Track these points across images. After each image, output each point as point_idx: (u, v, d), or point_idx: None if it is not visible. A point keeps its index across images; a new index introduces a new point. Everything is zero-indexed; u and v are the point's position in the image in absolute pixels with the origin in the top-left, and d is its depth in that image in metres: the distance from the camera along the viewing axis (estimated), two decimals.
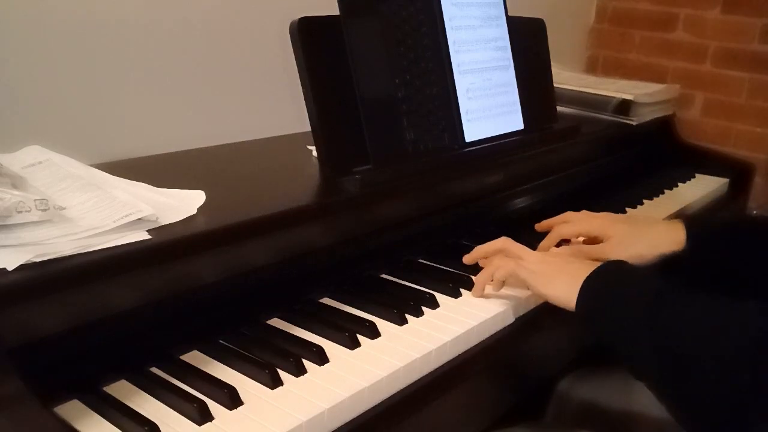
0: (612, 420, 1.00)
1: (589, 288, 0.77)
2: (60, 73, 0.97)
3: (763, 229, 0.99)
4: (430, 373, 0.74)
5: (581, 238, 1.02)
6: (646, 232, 0.98)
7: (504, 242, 0.90)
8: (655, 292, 0.72)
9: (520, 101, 1.17)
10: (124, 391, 0.65)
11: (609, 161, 1.46)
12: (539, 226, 1.04)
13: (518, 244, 0.90)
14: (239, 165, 1.01)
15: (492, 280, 0.87)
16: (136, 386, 0.66)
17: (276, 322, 0.79)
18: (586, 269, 0.78)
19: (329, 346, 0.73)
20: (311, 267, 0.84)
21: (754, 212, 1.72)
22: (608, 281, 0.77)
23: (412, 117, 0.97)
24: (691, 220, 0.99)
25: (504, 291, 0.88)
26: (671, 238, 0.96)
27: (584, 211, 1.05)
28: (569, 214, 1.04)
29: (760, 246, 0.94)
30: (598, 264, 0.80)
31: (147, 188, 0.79)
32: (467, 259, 0.93)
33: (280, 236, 0.80)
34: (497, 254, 0.90)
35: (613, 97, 1.53)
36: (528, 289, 0.86)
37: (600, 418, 1.01)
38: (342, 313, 0.82)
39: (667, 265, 0.95)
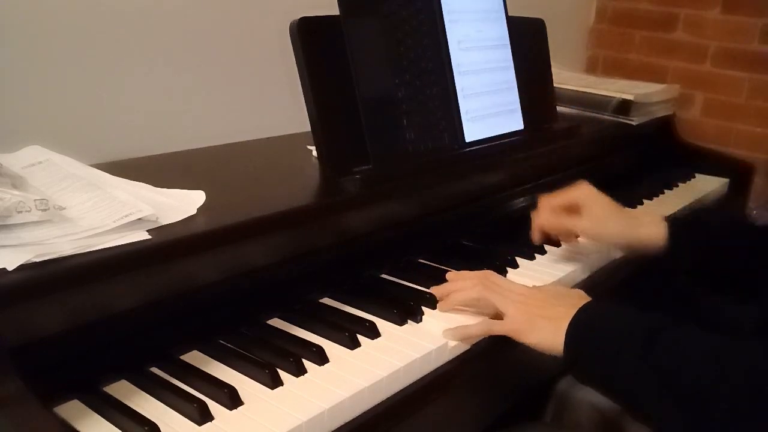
0: (611, 420, 1.00)
1: (575, 333, 0.73)
2: (60, 73, 0.97)
3: (745, 229, 0.98)
4: (430, 373, 0.74)
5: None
6: (627, 213, 0.97)
7: (479, 291, 0.82)
8: (645, 329, 0.69)
9: (520, 101, 1.17)
10: (124, 391, 0.65)
11: (609, 161, 1.46)
12: (538, 234, 1.02)
13: (493, 285, 0.82)
14: (239, 165, 1.01)
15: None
16: (136, 386, 0.66)
17: (276, 322, 0.79)
18: (567, 312, 0.74)
19: (329, 346, 0.73)
20: (311, 267, 0.84)
21: (754, 212, 1.72)
22: (593, 324, 0.74)
23: (412, 117, 0.97)
24: (674, 218, 0.99)
25: None
26: (652, 224, 0.95)
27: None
28: (543, 197, 1.02)
29: (741, 244, 0.94)
30: (578, 303, 0.76)
31: (147, 188, 0.79)
32: (438, 292, 0.85)
33: (280, 236, 0.80)
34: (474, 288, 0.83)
35: (613, 97, 1.53)
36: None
37: (599, 419, 1.01)
38: (342, 313, 0.82)
39: (646, 264, 0.94)
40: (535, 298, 0.80)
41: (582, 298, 0.78)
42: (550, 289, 0.84)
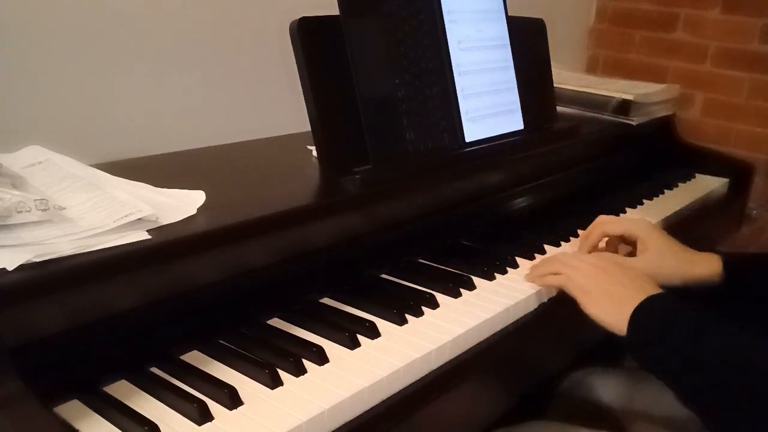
0: (614, 419, 1.00)
1: (638, 321, 0.78)
2: (60, 73, 0.97)
3: None
4: (430, 373, 0.74)
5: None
6: (683, 253, 0.97)
7: (562, 281, 0.89)
8: (696, 328, 0.74)
9: (520, 101, 1.17)
10: (124, 391, 0.65)
11: (609, 161, 1.46)
12: (587, 245, 1.02)
13: (571, 255, 0.94)
14: (239, 165, 1.01)
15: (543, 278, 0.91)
16: (136, 386, 0.66)
17: (276, 322, 0.79)
18: (635, 297, 0.80)
19: (329, 346, 0.73)
20: (311, 267, 0.84)
21: (754, 212, 1.72)
22: (655, 316, 0.78)
23: (412, 117, 0.97)
24: (727, 254, 0.98)
25: (505, 291, 0.88)
26: (707, 264, 0.95)
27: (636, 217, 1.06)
28: (604, 217, 1.03)
29: None
30: (646, 288, 0.81)
31: (147, 188, 0.79)
32: (529, 279, 0.93)
33: (280, 236, 0.80)
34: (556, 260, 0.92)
35: (613, 97, 1.53)
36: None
37: (602, 417, 1.01)
38: (342, 313, 0.82)
39: (704, 297, 0.95)
40: (607, 273, 0.86)
41: (650, 284, 0.84)
42: (623, 269, 0.88)
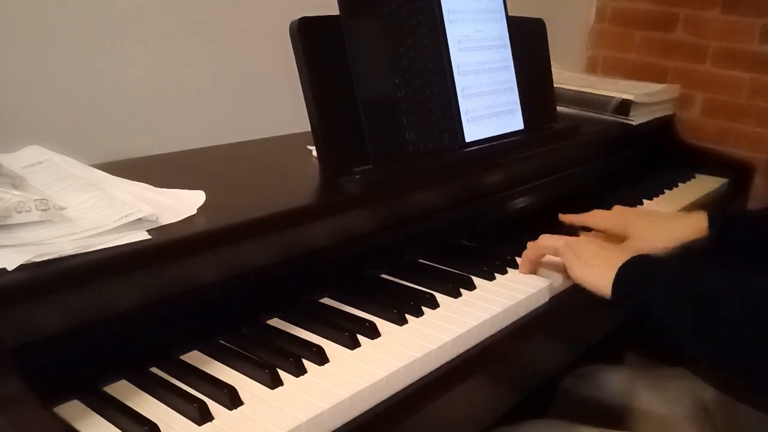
0: (616, 416, 1.00)
1: (623, 276, 0.81)
2: (60, 73, 0.97)
3: None
4: (430, 373, 0.74)
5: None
6: (668, 227, 1.01)
7: (546, 238, 0.94)
8: (686, 269, 0.77)
9: (520, 101, 1.17)
10: (124, 391, 0.65)
11: (609, 161, 1.46)
12: (564, 217, 1.09)
13: (556, 236, 0.94)
14: (239, 165, 1.01)
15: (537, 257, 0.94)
16: (136, 386, 0.66)
17: (276, 322, 0.79)
18: (619, 259, 0.83)
19: (329, 346, 0.73)
20: (311, 267, 0.84)
21: None
22: (641, 268, 0.82)
23: (412, 117, 0.97)
24: (714, 210, 1.03)
25: (505, 290, 0.88)
26: (693, 229, 0.99)
27: (616, 207, 1.08)
28: (597, 211, 1.07)
29: None
30: (631, 255, 0.84)
31: (147, 188, 0.79)
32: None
33: (280, 236, 0.80)
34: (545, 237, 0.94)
35: (613, 97, 1.53)
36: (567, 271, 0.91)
37: (603, 416, 1.01)
38: (342, 313, 0.82)
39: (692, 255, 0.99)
40: (598, 244, 0.91)
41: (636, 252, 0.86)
42: (611, 243, 0.95)
